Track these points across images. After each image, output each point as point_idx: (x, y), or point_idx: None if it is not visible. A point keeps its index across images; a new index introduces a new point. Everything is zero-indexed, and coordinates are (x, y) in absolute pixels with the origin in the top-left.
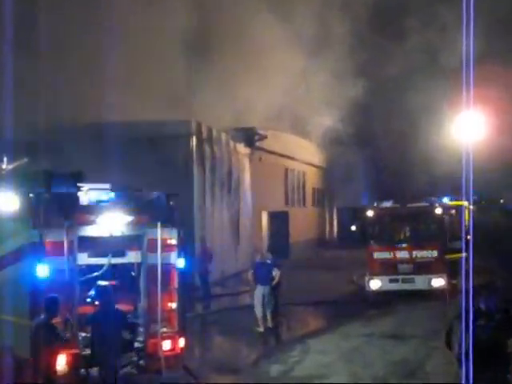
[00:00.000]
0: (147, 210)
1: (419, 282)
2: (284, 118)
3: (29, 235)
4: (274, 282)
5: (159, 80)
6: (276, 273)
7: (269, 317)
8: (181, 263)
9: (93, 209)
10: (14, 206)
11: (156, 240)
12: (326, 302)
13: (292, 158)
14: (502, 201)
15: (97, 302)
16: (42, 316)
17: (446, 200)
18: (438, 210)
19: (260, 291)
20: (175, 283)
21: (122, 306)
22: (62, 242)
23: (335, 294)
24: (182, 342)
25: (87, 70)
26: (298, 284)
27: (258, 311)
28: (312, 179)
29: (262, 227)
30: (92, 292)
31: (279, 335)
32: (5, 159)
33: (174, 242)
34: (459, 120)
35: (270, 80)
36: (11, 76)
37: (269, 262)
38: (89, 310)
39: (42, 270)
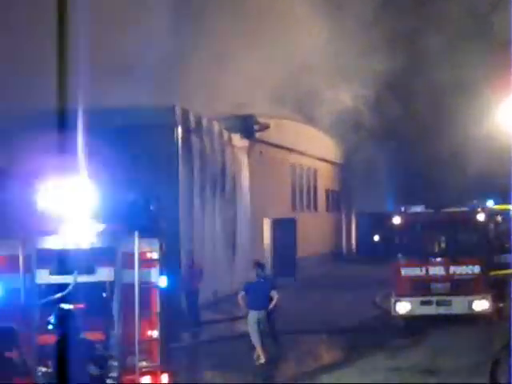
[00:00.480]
0: (122, 217)
1: (457, 305)
2: (291, 103)
3: None
4: (271, 306)
5: (136, 56)
6: (274, 295)
7: (269, 341)
8: (163, 282)
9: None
10: None
11: (133, 253)
12: (343, 329)
13: (301, 153)
14: None
15: (60, 330)
16: None
17: (490, 204)
18: (481, 216)
19: (253, 317)
20: (157, 306)
21: (90, 335)
22: (17, 257)
23: (354, 319)
24: (164, 379)
25: (49, 47)
26: (309, 308)
27: (256, 339)
28: (325, 178)
29: (264, 238)
30: (54, 317)
31: (285, 370)
32: None
33: (154, 255)
34: (506, 106)
35: (276, 52)
36: None
37: (263, 280)
38: (50, 339)
39: None
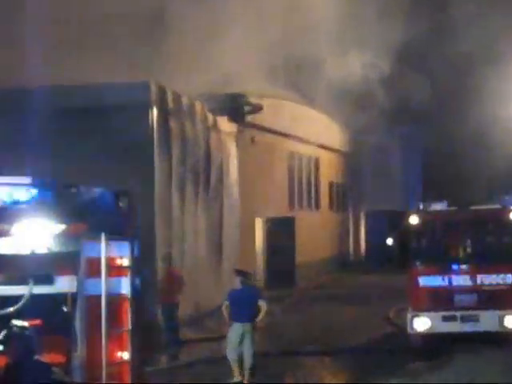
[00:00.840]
0: (86, 216)
1: (486, 321)
2: (289, 78)
3: None
4: (259, 319)
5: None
6: (262, 306)
7: (248, 365)
8: (136, 293)
9: (5, 214)
10: None
11: (99, 259)
12: (350, 350)
13: (300, 139)
14: None
15: (11, 351)
16: None
17: None
18: None
19: (237, 331)
20: (128, 323)
21: (47, 357)
22: None
23: (363, 338)
24: None
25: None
26: (309, 324)
27: (232, 356)
28: (329, 170)
29: (256, 240)
30: (4, 336)
31: None
32: None
33: (125, 262)
34: None
35: (270, 17)
36: None
37: (250, 288)
38: None
39: None
